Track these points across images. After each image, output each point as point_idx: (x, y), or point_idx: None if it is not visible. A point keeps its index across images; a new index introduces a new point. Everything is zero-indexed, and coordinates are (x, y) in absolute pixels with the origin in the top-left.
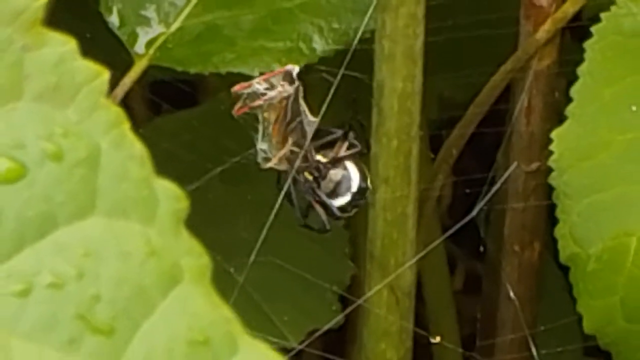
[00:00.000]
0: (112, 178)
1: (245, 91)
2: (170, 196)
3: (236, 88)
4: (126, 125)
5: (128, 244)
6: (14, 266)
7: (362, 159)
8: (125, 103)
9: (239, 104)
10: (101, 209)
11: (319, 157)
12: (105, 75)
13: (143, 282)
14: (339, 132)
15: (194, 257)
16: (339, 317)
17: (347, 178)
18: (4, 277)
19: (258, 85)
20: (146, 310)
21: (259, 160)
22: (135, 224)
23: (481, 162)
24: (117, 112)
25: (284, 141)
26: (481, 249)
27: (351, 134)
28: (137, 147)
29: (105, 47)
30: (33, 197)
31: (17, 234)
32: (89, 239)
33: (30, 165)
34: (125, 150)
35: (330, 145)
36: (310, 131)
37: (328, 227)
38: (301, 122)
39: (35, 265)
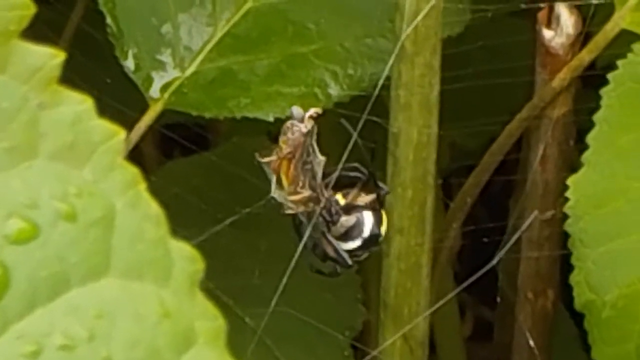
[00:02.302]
0: (127, 239)
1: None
2: (186, 257)
3: (265, 160)
4: (142, 186)
5: (142, 305)
6: (25, 327)
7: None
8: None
9: (273, 162)
10: (115, 270)
11: (336, 198)
12: (122, 135)
13: (157, 344)
14: (357, 178)
15: (208, 319)
16: None
17: (360, 223)
18: (15, 338)
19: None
20: None
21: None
22: (150, 285)
23: (490, 209)
24: (134, 172)
25: (298, 184)
26: (495, 296)
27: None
28: (153, 208)
29: (120, 88)
30: (46, 258)
31: (29, 295)
32: (102, 300)
33: (43, 225)
34: (140, 211)
35: (349, 188)
36: (320, 171)
37: (339, 270)
38: (312, 164)
39: (47, 326)
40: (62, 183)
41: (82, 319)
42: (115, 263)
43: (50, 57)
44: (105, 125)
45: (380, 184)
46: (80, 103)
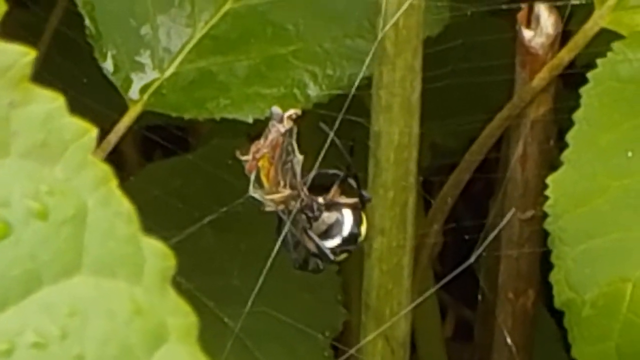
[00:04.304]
0: (99, 236)
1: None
2: (158, 254)
3: (243, 158)
4: (114, 183)
5: (114, 302)
6: None
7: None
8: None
9: (248, 161)
10: (87, 268)
11: (316, 198)
12: (93, 132)
13: (129, 341)
14: (336, 175)
15: (180, 316)
16: None
17: (340, 222)
18: None
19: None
20: None
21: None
22: (122, 282)
23: (471, 208)
24: (105, 169)
25: (278, 183)
26: (476, 296)
27: (353, 184)
28: (125, 205)
29: (100, 90)
30: (18, 256)
31: (1, 293)
32: (74, 297)
33: (15, 223)
34: (112, 208)
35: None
36: (299, 169)
37: (321, 267)
38: (292, 162)
39: (19, 324)
40: (34, 181)
41: (54, 317)
42: (87, 260)
43: (21, 55)
44: (77, 123)
45: (364, 192)
46: (51, 101)
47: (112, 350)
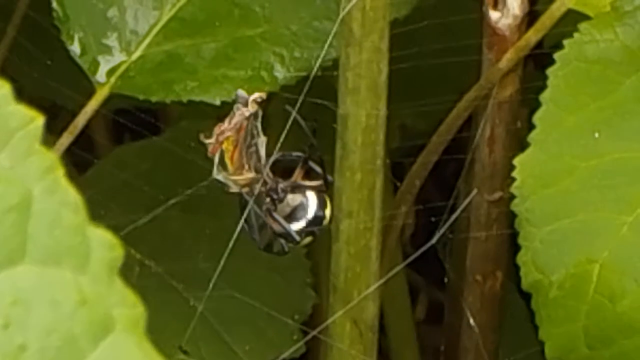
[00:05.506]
0: (44, 225)
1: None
2: (104, 244)
3: (207, 141)
4: (60, 172)
5: (59, 292)
6: None
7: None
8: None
9: (211, 144)
10: (32, 256)
11: (279, 181)
12: (40, 120)
13: (73, 332)
14: (299, 157)
15: (127, 306)
16: (299, 345)
17: (304, 205)
18: None
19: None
20: None
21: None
22: (67, 271)
23: (442, 190)
24: (52, 158)
25: (242, 166)
26: (444, 279)
27: (317, 167)
28: (71, 194)
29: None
30: None
31: None
32: (18, 287)
33: None
34: (58, 197)
35: (293, 171)
36: (263, 151)
37: (286, 249)
38: (257, 145)
39: None
40: None
41: None
42: (32, 249)
43: None
44: (23, 111)
45: (328, 176)
46: None
47: (56, 341)
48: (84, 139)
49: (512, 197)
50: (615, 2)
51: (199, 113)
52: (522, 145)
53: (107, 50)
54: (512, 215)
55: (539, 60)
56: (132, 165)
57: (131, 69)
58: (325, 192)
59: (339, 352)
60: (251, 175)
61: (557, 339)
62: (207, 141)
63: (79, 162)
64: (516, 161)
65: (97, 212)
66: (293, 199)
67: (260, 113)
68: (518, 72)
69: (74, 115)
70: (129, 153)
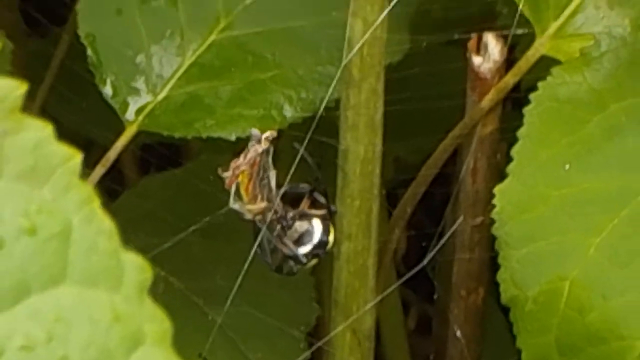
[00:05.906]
0: (83, 251)
1: (231, 170)
2: (136, 267)
3: (224, 174)
4: (97, 203)
5: (96, 310)
6: None
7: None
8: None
9: (228, 177)
10: (72, 279)
11: (288, 210)
12: (78, 157)
13: (108, 345)
14: (306, 189)
15: (156, 322)
16: (306, 354)
17: (310, 231)
18: None
19: (239, 160)
20: None
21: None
22: (103, 292)
23: (431, 218)
24: (89, 190)
25: (256, 197)
26: (433, 294)
27: (321, 197)
28: (107, 223)
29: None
30: (9, 268)
31: None
32: (60, 305)
33: (7, 239)
34: (95, 226)
35: (300, 201)
36: (274, 183)
37: (295, 270)
38: (268, 178)
39: (9, 329)
40: (24, 201)
41: (41, 323)
42: (72, 272)
43: (13, 89)
44: (64, 149)
45: (332, 206)
46: (41, 129)
47: (93, 353)
48: (116, 174)
49: (493, 222)
50: (584, 49)
51: (217, 148)
52: (502, 176)
53: (136, 92)
54: (493, 238)
55: (516, 100)
56: (156, 195)
57: (157, 108)
58: (329, 219)
59: (341, 359)
60: (263, 204)
61: (532, 348)
62: (224, 174)
63: (109, 191)
64: (496, 190)
65: (127, 237)
66: (300, 225)
67: (271, 149)
68: (498, 111)
69: (105, 149)
70: (153, 184)
